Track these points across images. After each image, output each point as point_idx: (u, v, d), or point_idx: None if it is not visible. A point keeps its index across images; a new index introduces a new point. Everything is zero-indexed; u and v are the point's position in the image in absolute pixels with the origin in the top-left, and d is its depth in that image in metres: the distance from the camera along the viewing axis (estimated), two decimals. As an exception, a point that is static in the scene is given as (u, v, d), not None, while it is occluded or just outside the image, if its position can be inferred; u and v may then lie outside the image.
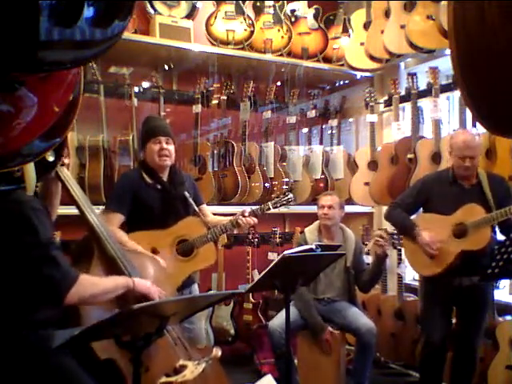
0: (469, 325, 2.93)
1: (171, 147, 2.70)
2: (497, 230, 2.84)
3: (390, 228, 3.47)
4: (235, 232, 3.66)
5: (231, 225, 2.73)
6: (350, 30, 4.41)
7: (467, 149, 2.77)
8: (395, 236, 3.62)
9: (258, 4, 4.36)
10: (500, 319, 3.13)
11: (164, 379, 1.90)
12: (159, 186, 2.70)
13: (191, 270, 2.74)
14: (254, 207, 2.82)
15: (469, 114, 3.30)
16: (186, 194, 2.76)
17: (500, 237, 2.86)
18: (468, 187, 2.87)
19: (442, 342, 2.90)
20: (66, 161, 2.04)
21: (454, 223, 2.84)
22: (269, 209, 2.79)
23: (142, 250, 2.50)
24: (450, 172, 2.94)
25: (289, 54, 4.37)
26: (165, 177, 2.74)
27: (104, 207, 2.75)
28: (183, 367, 1.95)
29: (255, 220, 2.75)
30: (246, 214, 2.72)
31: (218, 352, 2.10)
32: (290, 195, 2.88)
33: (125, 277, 1.95)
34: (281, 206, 2.86)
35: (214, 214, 2.98)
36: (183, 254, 2.72)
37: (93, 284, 1.79)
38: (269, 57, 4.22)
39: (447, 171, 2.99)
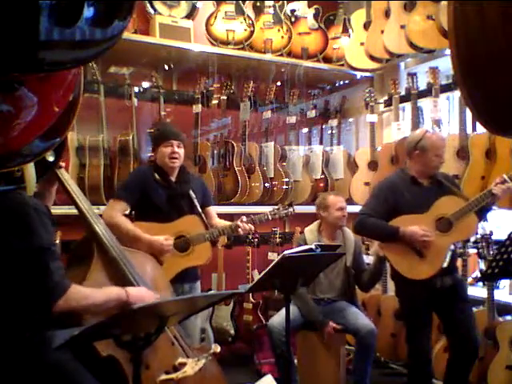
0: (467, 320, 2.81)
1: (181, 151, 2.85)
2: None
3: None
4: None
5: (229, 229, 2.87)
6: (350, 30, 4.41)
7: (444, 146, 2.90)
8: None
9: (258, 4, 4.36)
10: (500, 319, 3.12)
11: (164, 376, 1.90)
12: (166, 184, 2.84)
13: (184, 266, 2.79)
14: (252, 215, 2.95)
15: (469, 114, 3.30)
16: (191, 193, 2.87)
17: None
18: (427, 185, 2.88)
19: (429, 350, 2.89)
20: (63, 164, 2.05)
21: (434, 219, 2.77)
22: (267, 219, 2.98)
23: (144, 235, 2.65)
24: (406, 172, 2.91)
25: (289, 54, 4.37)
26: (173, 177, 2.88)
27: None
28: (182, 365, 1.95)
29: (252, 227, 2.89)
30: (245, 220, 2.86)
31: (217, 348, 2.11)
32: (291, 209, 3.05)
33: (119, 289, 1.88)
34: (279, 217, 3.04)
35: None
36: (179, 249, 2.80)
37: (84, 296, 1.75)
38: (269, 57, 4.22)
39: (402, 173, 2.95)
